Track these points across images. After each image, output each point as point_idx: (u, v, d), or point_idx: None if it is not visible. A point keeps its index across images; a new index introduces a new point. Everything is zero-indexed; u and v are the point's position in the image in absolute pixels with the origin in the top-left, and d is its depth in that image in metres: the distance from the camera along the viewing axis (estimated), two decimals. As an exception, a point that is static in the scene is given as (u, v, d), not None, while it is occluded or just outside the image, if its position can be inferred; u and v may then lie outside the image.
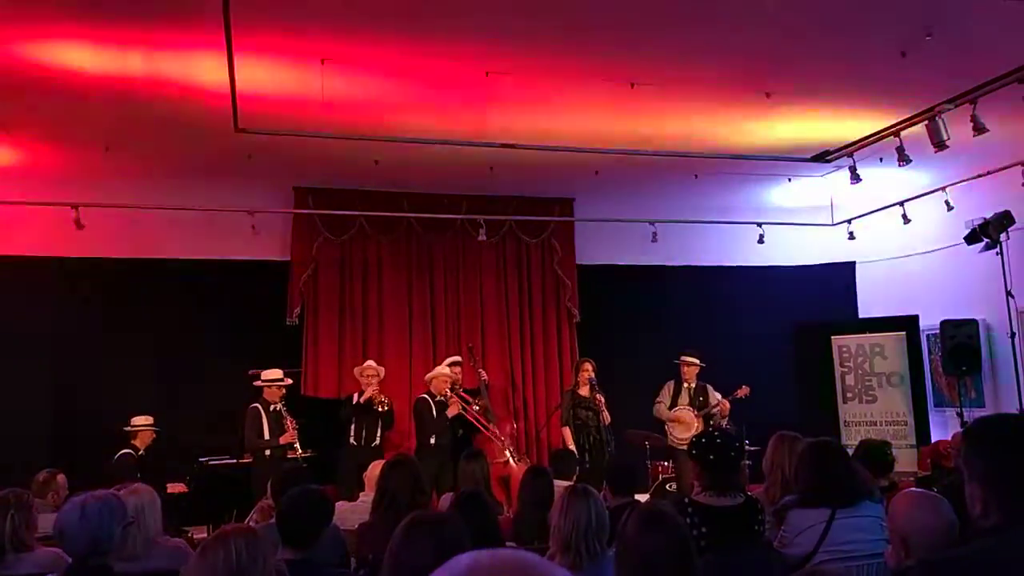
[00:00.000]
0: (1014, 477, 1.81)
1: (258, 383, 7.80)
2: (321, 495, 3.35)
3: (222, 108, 6.37)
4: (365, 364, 8.33)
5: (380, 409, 8.03)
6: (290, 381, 8.13)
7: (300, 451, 7.61)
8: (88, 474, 6.53)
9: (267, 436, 7.57)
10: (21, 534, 3.58)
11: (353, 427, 7.95)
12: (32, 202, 7.83)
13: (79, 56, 5.58)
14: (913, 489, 3.14)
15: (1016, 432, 1.90)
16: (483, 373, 8.81)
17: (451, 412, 8.11)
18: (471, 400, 8.40)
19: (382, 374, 8.27)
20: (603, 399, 8.30)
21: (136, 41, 5.41)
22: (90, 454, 7.68)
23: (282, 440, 7.53)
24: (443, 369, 8.36)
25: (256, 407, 7.68)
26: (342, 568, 3.60)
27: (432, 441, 7.97)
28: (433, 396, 8.17)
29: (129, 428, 7.51)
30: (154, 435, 7.57)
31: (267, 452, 7.52)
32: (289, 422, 7.60)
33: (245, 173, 8.14)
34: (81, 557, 3.02)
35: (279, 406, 7.71)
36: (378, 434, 8.05)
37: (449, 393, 8.19)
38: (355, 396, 8.05)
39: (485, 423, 8.35)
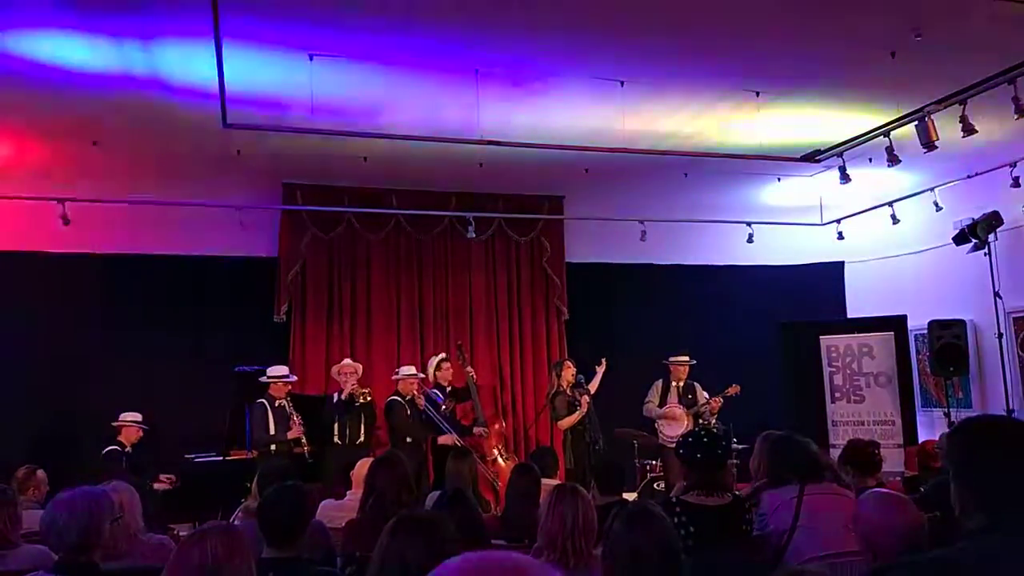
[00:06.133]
0: (994, 479, 1.81)
1: (263, 379, 7.78)
2: (299, 492, 3.30)
3: (210, 103, 6.34)
4: (343, 362, 8.28)
5: (363, 400, 7.99)
6: (295, 378, 8.13)
7: (307, 446, 7.62)
8: (72, 470, 6.48)
9: (272, 431, 7.56)
10: (6, 531, 3.54)
11: (336, 426, 7.90)
12: (18, 196, 7.76)
13: (67, 49, 5.53)
14: (879, 490, 3.14)
15: (997, 434, 1.90)
16: (471, 370, 8.78)
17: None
18: (439, 404, 8.31)
19: (360, 371, 8.24)
20: (587, 399, 8.20)
21: (125, 35, 5.37)
22: (74, 450, 7.63)
23: (289, 435, 7.55)
24: (409, 370, 8.33)
25: (262, 403, 7.66)
26: (328, 566, 3.57)
27: (407, 440, 7.93)
28: (403, 396, 8.14)
29: (116, 424, 7.46)
30: (141, 432, 7.52)
31: (272, 447, 7.51)
32: (295, 418, 7.61)
33: (233, 169, 8.10)
34: (70, 552, 2.99)
35: (284, 402, 7.70)
36: (362, 431, 8.00)
37: (416, 394, 8.15)
38: (335, 396, 8.02)
39: (452, 426, 8.26)
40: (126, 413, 7.53)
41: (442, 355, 8.80)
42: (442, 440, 7.95)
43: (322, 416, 7.97)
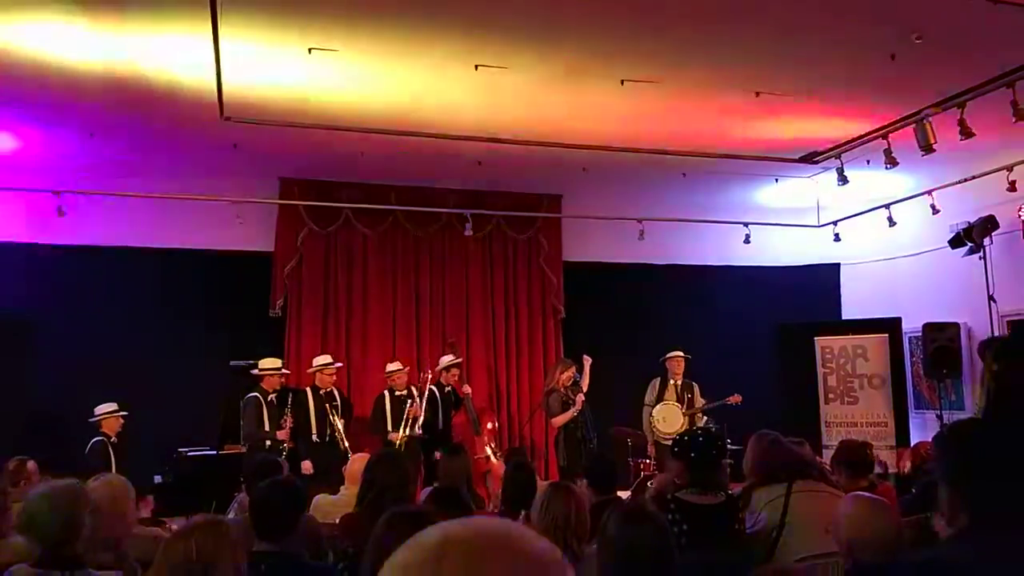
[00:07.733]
0: (979, 482, 1.84)
1: (256, 372, 7.75)
2: (293, 486, 3.31)
3: (208, 96, 6.32)
4: (326, 361, 8.19)
5: (331, 405, 7.93)
6: (288, 372, 8.09)
7: (287, 443, 7.62)
8: (64, 462, 6.46)
9: (267, 427, 7.55)
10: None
11: (315, 423, 7.85)
12: (13, 188, 7.74)
13: (65, 41, 5.50)
14: (860, 493, 3.17)
15: (983, 438, 1.93)
16: (467, 388, 8.72)
17: (411, 412, 8.07)
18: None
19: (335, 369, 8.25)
20: (582, 397, 8.20)
21: (123, 27, 5.35)
22: (66, 442, 7.60)
23: (279, 435, 7.53)
24: (396, 365, 8.34)
25: (256, 396, 7.63)
26: (318, 561, 3.56)
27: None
28: (392, 391, 8.13)
29: (93, 419, 7.41)
30: (121, 420, 7.47)
31: (267, 443, 7.50)
32: (287, 419, 7.59)
33: (230, 163, 8.08)
34: (53, 545, 2.97)
35: (275, 396, 7.70)
36: (339, 427, 7.92)
37: (414, 393, 8.14)
38: (308, 392, 7.96)
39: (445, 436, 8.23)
40: (100, 405, 7.45)
41: (457, 360, 8.76)
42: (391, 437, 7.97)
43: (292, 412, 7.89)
